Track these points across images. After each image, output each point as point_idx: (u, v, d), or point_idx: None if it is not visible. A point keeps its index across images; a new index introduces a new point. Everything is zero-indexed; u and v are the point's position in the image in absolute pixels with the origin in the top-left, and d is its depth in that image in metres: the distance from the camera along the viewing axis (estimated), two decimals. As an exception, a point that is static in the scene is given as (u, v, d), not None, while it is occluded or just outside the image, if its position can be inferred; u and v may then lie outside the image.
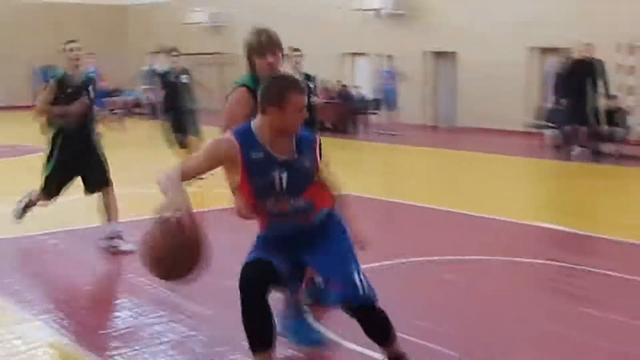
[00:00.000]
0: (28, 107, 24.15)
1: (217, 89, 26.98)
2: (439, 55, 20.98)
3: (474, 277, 6.23)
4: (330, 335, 4.59)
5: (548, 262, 6.66)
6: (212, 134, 3.94)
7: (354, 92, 21.12)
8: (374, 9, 21.53)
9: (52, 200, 7.38)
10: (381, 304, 3.64)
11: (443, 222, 8.75)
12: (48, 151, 7.14)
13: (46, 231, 7.87)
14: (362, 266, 3.66)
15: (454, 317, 5.12)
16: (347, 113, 20.22)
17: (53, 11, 29.13)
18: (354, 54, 23.16)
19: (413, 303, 5.40)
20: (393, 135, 18.81)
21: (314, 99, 6.97)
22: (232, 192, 3.72)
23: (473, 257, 6.82)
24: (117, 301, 5.85)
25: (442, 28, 20.48)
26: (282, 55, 4.28)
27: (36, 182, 7.35)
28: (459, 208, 9.22)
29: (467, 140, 18.02)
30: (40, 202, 7.47)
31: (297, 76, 4.20)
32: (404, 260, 6.60)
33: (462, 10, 19.95)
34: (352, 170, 13.38)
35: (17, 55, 28.38)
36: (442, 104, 21.25)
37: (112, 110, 17.52)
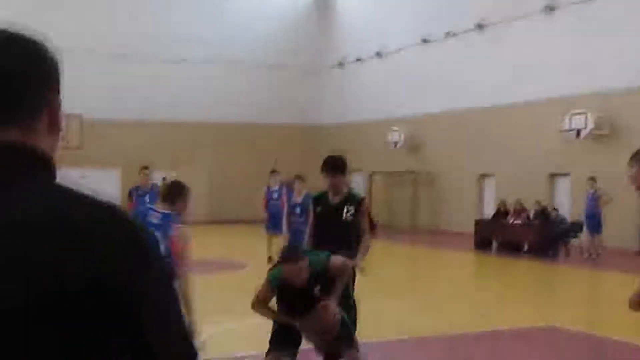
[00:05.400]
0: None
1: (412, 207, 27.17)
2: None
3: None
4: None
5: None
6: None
7: (553, 214, 20.23)
8: (576, 130, 20.83)
9: None
10: None
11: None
12: None
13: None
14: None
15: None
16: (546, 236, 19.32)
17: (245, 131, 30.91)
18: (554, 174, 22.38)
19: None
20: (595, 259, 17.66)
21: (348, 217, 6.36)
22: None
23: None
24: None
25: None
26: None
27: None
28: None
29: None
30: None
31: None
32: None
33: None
34: (551, 299, 12.60)
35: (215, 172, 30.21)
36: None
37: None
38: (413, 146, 27.41)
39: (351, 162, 27.95)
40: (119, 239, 1.23)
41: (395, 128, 27.64)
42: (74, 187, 1.29)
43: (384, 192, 28.72)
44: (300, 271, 5.11)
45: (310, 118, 32.29)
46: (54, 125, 1.36)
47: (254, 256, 15.75)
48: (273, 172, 16.02)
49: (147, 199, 11.57)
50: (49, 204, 1.24)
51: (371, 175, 29.07)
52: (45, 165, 1.32)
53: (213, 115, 30.19)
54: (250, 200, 25.85)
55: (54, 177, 1.33)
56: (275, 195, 15.26)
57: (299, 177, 12.81)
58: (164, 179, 25.62)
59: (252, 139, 30.65)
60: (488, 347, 8.44)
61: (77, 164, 24.89)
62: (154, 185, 12.82)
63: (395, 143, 27.71)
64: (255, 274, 10.30)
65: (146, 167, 13.01)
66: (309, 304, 5.20)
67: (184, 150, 29.48)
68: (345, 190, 6.35)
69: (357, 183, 28.05)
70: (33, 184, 1.26)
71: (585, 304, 12.70)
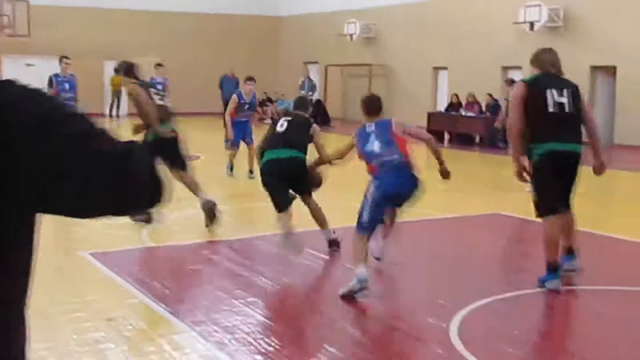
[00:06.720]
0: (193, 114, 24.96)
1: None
2: (596, 69, 20.09)
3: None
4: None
5: None
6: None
7: (505, 106, 20.58)
8: (529, 22, 20.96)
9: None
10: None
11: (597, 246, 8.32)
12: None
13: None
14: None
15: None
16: (497, 128, 19.73)
17: (205, 21, 30.32)
18: (507, 67, 22.64)
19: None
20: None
21: None
22: None
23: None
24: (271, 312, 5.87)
25: (600, 42, 19.60)
26: None
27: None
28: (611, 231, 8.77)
29: (624, 160, 17.05)
30: None
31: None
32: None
33: (620, 24, 19.02)
34: (497, 188, 13.08)
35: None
36: (598, 120, 20.27)
37: (263, 119, 18.09)
38: (369, 39, 27.30)
39: (306, 54, 27.77)
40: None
41: (352, 20, 27.40)
42: None
43: (339, 85, 28.76)
44: None
45: (266, 8, 31.73)
46: None
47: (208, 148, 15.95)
48: (158, 65, 17.74)
49: (67, 86, 13.50)
50: None
51: (326, 68, 29.00)
52: None
53: (166, 5, 29.51)
54: (203, 92, 25.92)
55: None
56: (160, 87, 15.81)
57: (251, 79, 13.24)
58: (116, 70, 25.32)
59: (206, 29, 30.11)
60: (435, 232, 8.89)
61: (24, 52, 24.32)
62: (73, 75, 13.99)
63: (352, 35, 27.54)
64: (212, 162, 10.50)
65: (67, 57, 14.13)
66: None
67: (135, 40, 28.86)
68: None
69: (312, 75, 27.97)
70: None
71: (527, 193, 13.16)
